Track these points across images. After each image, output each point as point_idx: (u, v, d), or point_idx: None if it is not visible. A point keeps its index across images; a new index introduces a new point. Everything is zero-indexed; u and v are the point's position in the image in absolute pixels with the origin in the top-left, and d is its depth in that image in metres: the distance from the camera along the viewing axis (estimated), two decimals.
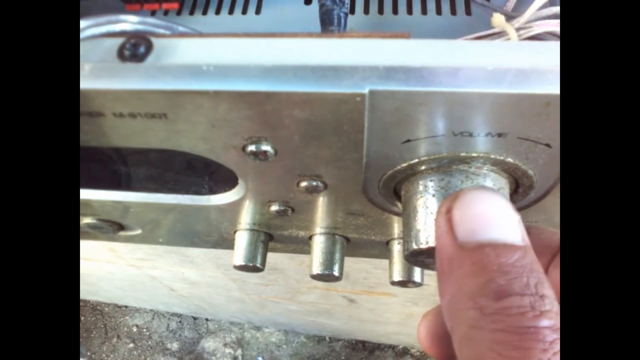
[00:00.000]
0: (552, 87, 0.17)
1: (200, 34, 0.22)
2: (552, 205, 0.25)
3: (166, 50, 0.19)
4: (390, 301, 0.73)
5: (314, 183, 0.24)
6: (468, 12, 0.32)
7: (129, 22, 0.21)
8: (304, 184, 0.24)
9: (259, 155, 0.21)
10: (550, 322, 0.15)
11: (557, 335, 0.14)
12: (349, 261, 0.60)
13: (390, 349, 1.20)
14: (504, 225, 0.17)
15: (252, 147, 0.21)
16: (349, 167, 0.22)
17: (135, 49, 0.18)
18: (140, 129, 0.20)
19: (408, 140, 0.20)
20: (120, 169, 0.33)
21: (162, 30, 0.22)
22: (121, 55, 0.18)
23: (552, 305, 0.15)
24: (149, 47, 0.18)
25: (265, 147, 0.21)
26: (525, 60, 0.17)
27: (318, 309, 0.89)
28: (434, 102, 0.17)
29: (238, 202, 0.28)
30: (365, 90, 0.17)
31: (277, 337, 1.23)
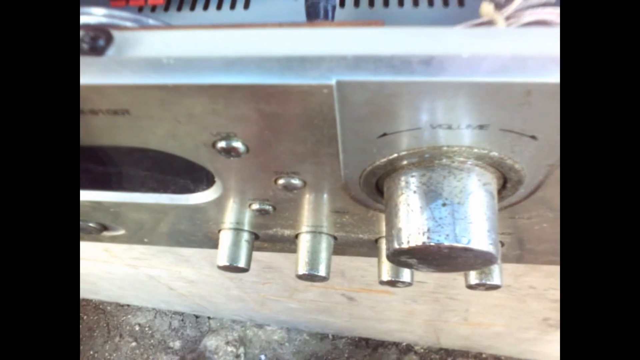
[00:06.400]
0: (533, 75, 0.16)
1: (168, 26, 0.21)
2: (550, 198, 0.24)
3: (128, 43, 0.18)
4: (389, 299, 0.72)
5: (292, 180, 0.23)
6: (461, 3, 0.31)
7: (93, 14, 0.20)
8: (281, 181, 0.23)
9: (230, 151, 0.20)
10: None
11: None
12: (344, 259, 0.59)
13: (394, 346, 1.19)
14: None
15: (222, 144, 0.20)
16: (325, 163, 0.21)
17: (94, 42, 0.17)
18: (104, 126, 0.19)
19: (384, 134, 0.19)
20: (103, 169, 0.32)
21: (129, 23, 0.21)
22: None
23: None
24: (109, 40, 0.17)
25: (236, 144, 0.20)
26: (505, 48, 0.16)
27: (319, 306, 0.88)
28: (407, 92, 0.16)
29: (217, 201, 0.27)
30: (333, 81, 0.16)
31: (279, 335, 1.22)
